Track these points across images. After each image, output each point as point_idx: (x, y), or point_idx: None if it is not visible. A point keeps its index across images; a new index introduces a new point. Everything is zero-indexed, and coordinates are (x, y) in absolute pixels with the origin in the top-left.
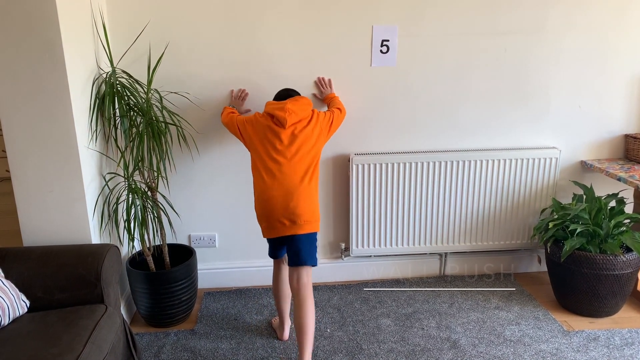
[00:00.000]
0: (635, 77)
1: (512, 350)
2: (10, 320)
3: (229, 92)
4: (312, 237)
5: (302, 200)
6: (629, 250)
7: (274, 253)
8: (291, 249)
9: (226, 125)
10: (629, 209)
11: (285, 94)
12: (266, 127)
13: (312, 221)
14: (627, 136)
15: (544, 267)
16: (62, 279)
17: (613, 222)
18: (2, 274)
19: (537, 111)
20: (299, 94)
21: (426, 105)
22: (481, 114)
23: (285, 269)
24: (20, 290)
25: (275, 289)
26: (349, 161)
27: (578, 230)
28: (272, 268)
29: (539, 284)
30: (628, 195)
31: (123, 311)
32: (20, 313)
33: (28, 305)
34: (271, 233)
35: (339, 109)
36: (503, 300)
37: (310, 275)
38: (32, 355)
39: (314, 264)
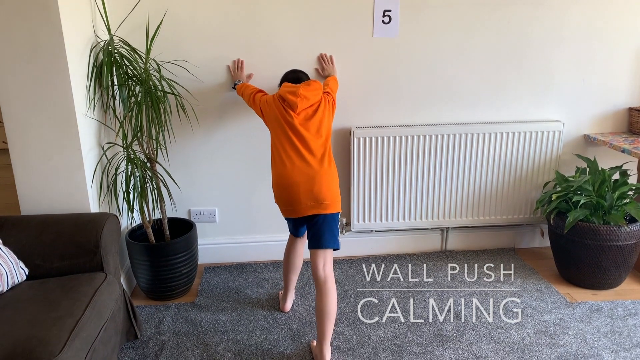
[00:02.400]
0: None
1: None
2: (9, 287)
3: (226, 67)
4: (335, 217)
5: (324, 185)
6: (632, 221)
7: (295, 231)
8: (313, 230)
9: (250, 106)
10: (632, 181)
11: (295, 77)
12: (280, 111)
13: (335, 202)
14: (631, 109)
15: (546, 243)
16: (61, 247)
17: (617, 193)
18: (0, 241)
19: (540, 84)
20: (307, 76)
21: (428, 77)
22: (484, 86)
23: (300, 243)
24: (18, 258)
25: (286, 260)
26: (351, 134)
27: (582, 202)
28: (277, 240)
29: (541, 258)
30: (632, 167)
31: (123, 284)
32: (19, 280)
33: (27, 273)
34: (293, 214)
35: (332, 90)
36: (505, 274)
37: (332, 261)
38: (32, 319)
39: (337, 247)
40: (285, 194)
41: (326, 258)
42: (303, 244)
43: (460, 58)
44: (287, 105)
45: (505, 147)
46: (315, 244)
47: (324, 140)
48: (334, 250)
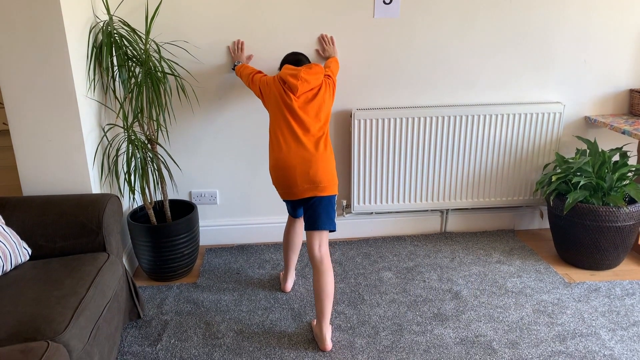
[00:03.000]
0: None
1: (513, 300)
2: (12, 266)
3: (226, 49)
4: (332, 199)
5: (320, 168)
6: (631, 202)
7: (293, 212)
8: (309, 211)
9: (248, 87)
10: (632, 162)
11: (296, 59)
12: (280, 93)
13: (331, 185)
14: (632, 91)
15: (545, 225)
16: (64, 227)
17: (617, 174)
18: (3, 221)
19: (541, 65)
20: (308, 59)
21: (429, 58)
22: (485, 67)
23: (299, 223)
24: (21, 239)
25: (285, 240)
26: (351, 116)
27: (581, 183)
28: (278, 222)
29: (541, 240)
30: (632, 149)
31: (125, 265)
32: (23, 260)
33: (30, 253)
34: (290, 196)
35: (333, 72)
36: (504, 255)
37: (328, 242)
38: (36, 297)
39: (334, 229)
40: (282, 177)
41: (322, 239)
42: (302, 224)
43: (461, 39)
44: (288, 87)
45: (505, 129)
46: (311, 226)
47: (322, 124)
48: (331, 232)
